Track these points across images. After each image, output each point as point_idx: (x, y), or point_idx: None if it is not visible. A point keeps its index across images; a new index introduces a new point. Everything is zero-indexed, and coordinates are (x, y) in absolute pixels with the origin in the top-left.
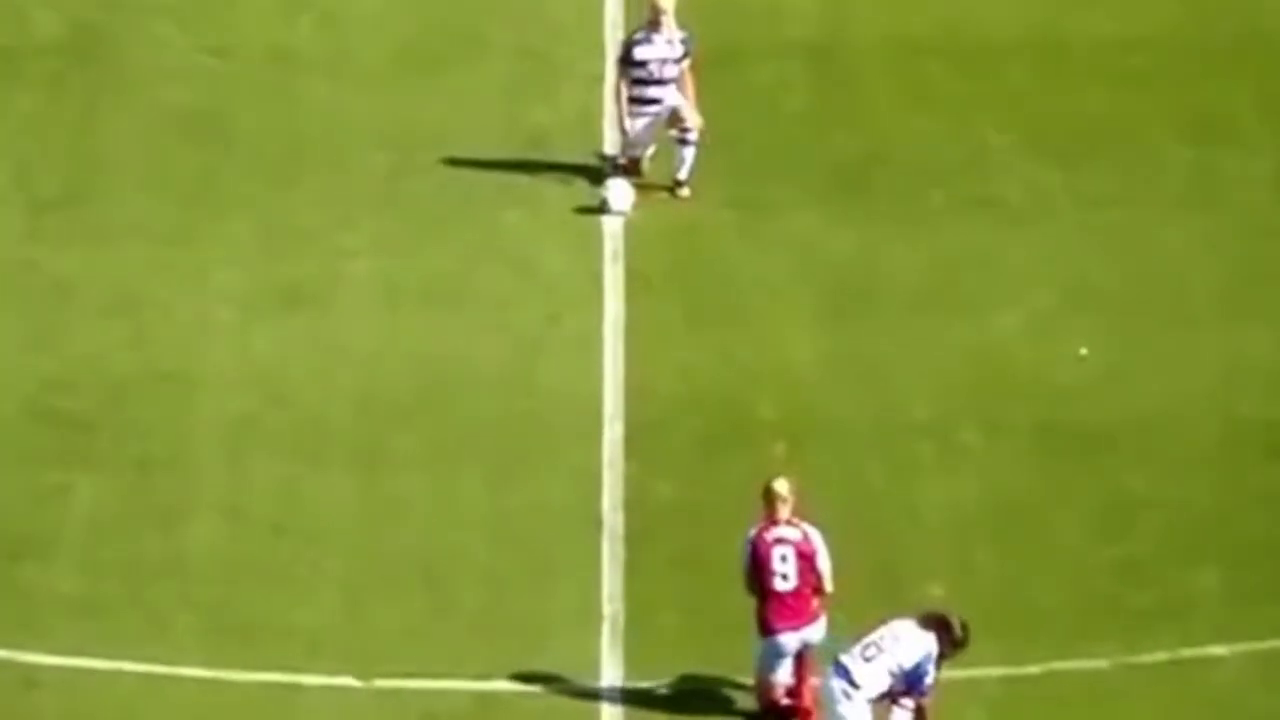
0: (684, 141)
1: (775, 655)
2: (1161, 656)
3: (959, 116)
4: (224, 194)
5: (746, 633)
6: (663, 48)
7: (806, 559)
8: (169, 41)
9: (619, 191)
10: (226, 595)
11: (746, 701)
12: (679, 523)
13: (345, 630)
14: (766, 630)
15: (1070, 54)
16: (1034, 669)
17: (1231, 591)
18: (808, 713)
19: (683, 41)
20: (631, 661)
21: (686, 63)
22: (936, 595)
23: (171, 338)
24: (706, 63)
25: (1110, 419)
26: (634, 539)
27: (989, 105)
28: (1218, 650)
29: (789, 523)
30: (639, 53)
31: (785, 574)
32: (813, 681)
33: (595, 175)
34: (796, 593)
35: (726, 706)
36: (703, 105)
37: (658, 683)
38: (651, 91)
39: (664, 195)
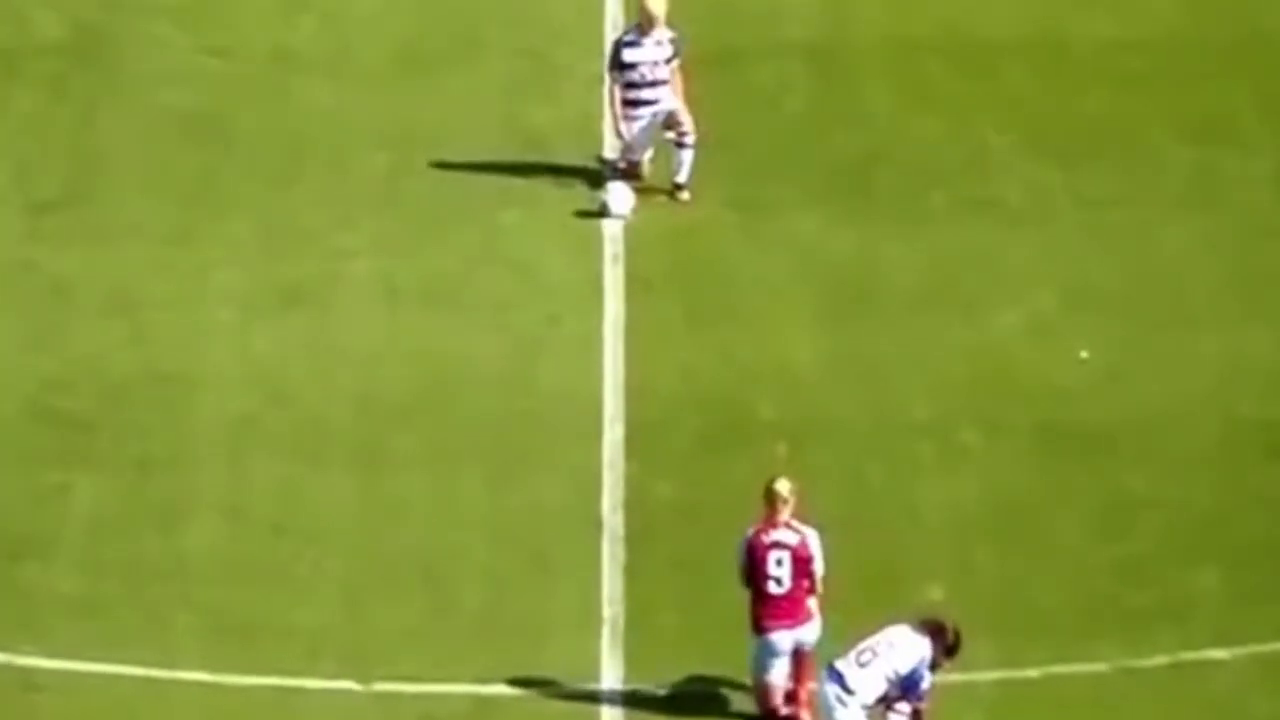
0: (681, 144)
1: (769, 654)
2: (1161, 660)
3: (959, 117)
4: (224, 194)
5: (746, 633)
6: (652, 49)
7: (802, 563)
8: (169, 42)
9: (619, 195)
10: (226, 595)
11: (746, 703)
12: (679, 523)
13: (345, 631)
14: (759, 629)
15: (1070, 55)
16: (1033, 672)
17: (1232, 592)
18: None
19: (671, 41)
20: (631, 663)
21: (676, 62)
22: (936, 598)
23: (171, 338)
24: (706, 63)
25: (1110, 419)
26: (634, 540)
27: (989, 105)
28: (1218, 654)
29: (788, 525)
30: (628, 55)
31: (779, 578)
32: (811, 686)
33: (595, 178)
34: (790, 596)
35: (726, 708)
36: (703, 106)
37: (658, 684)
38: (645, 94)
39: (663, 198)
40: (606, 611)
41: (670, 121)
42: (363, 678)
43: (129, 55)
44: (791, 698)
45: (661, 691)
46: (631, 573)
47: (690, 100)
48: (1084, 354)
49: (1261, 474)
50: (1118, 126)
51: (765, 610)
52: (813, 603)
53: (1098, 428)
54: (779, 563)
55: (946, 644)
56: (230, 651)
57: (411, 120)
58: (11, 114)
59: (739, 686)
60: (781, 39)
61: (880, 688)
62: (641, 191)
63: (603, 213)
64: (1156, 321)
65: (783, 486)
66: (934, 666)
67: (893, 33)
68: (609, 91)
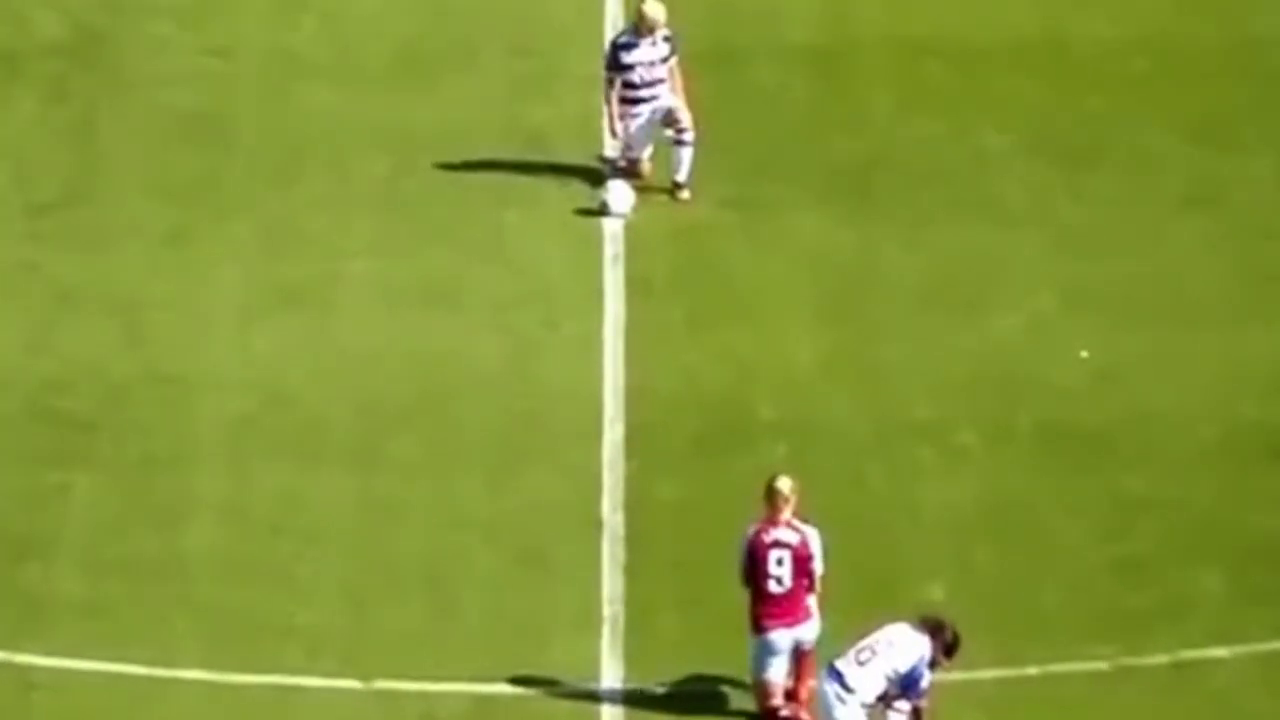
0: (680, 142)
1: (768, 653)
2: (1162, 659)
3: (958, 118)
4: (224, 195)
5: (746, 633)
6: (648, 50)
7: (802, 562)
8: (170, 42)
9: (619, 194)
10: (226, 595)
11: (746, 702)
12: (679, 523)
13: (345, 631)
14: (759, 628)
15: (1070, 56)
16: (1033, 670)
17: (1232, 592)
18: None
19: (666, 40)
20: (632, 663)
21: (674, 60)
22: (936, 597)
23: (171, 338)
24: (707, 63)
25: (1110, 419)
26: (634, 540)
27: (989, 107)
28: (1218, 652)
29: (789, 524)
30: (625, 57)
31: (780, 577)
32: (811, 684)
33: (595, 177)
34: (790, 595)
35: (726, 707)
36: (703, 106)
37: (658, 684)
38: (643, 93)
39: (663, 198)
40: (606, 611)
41: (669, 119)
42: (363, 677)
43: (129, 56)
44: (791, 696)
45: (661, 691)
46: (631, 573)
47: (690, 99)
48: (1084, 354)
49: (1262, 475)
50: (1117, 127)
51: (765, 609)
52: (812, 601)
53: (1097, 428)
54: (779, 562)
55: (946, 642)
56: (230, 651)
57: (412, 121)
58: (12, 115)
59: (739, 685)
60: (781, 40)
61: (880, 686)
62: (641, 190)
63: (603, 211)
64: (1156, 322)
65: (784, 485)
66: (933, 665)
67: (892, 34)
68: (606, 92)
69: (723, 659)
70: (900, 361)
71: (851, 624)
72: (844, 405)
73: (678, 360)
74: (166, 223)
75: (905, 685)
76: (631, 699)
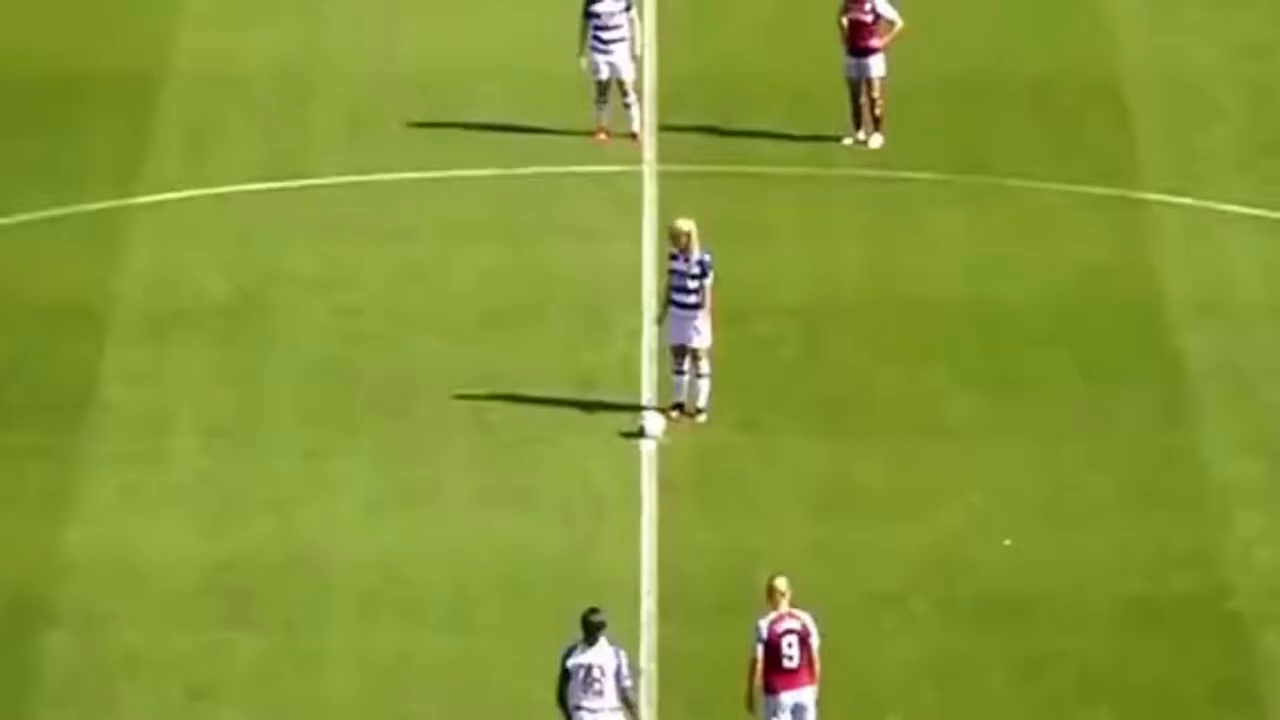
0: (700, 375)
1: (777, 710)
2: None
3: (912, 363)
4: (352, 421)
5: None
6: (682, 264)
7: (806, 639)
8: (310, 304)
9: (653, 421)
10: None
11: None
12: (703, 671)
13: None
14: (771, 690)
15: (1000, 312)
16: None
17: None
18: None
19: (700, 263)
20: None
21: (708, 280)
22: None
23: (313, 530)
24: (721, 320)
25: (1029, 591)
26: (665, 684)
27: (936, 354)
28: None
29: (791, 614)
30: (675, 266)
31: (791, 655)
32: None
33: (634, 408)
34: (797, 668)
35: None
36: (719, 354)
37: None
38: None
39: (687, 422)
40: None
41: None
42: None
43: (280, 313)
44: None
45: None
46: (664, 711)
47: (714, 346)
48: (1008, 541)
49: (1146, 636)
50: (1033, 369)
51: (778, 680)
52: (811, 671)
53: (1019, 597)
54: (790, 644)
55: None
56: None
57: (494, 366)
58: (191, 359)
59: None
60: (777, 302)
61: None
62: (671, 420)
63: (640, 434)
64: (1061, 519)
65: (780, 583)
66: None
67: (865, 299)
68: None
69: None
70: (868, 546)
71: None
72: (827, 578)
73: (699, 545)
74: (308, 441)
75: None
76: None
